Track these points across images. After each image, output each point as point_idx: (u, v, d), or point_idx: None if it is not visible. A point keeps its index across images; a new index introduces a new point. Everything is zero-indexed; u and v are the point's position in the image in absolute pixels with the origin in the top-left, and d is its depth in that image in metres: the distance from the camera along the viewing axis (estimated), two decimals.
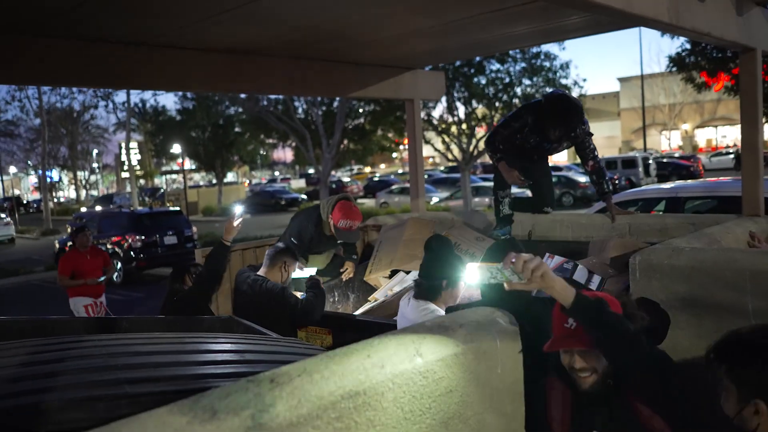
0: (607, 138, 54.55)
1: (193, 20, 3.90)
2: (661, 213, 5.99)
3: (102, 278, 7.53)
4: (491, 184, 5.90)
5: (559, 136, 4.51)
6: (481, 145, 20.67)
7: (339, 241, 4.91)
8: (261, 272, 4.07)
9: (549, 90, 19.89)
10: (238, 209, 4.07)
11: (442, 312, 3.12)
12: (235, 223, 4.14)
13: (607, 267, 3.86)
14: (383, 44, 4.91)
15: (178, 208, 19.74)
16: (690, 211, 5.97)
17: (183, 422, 1.27)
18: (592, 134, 4.72)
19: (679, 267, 2.95)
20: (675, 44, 25.31)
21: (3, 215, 30.42)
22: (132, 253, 14.54)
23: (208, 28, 4.07)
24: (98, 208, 30.66)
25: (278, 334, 2.95)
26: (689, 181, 7.15)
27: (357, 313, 4.64)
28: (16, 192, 61.26)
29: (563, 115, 4.40)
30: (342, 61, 5.46)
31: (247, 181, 61.07)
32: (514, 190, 5.36)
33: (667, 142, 53.32)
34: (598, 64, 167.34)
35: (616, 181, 24.34)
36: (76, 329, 3.09)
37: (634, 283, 3.07)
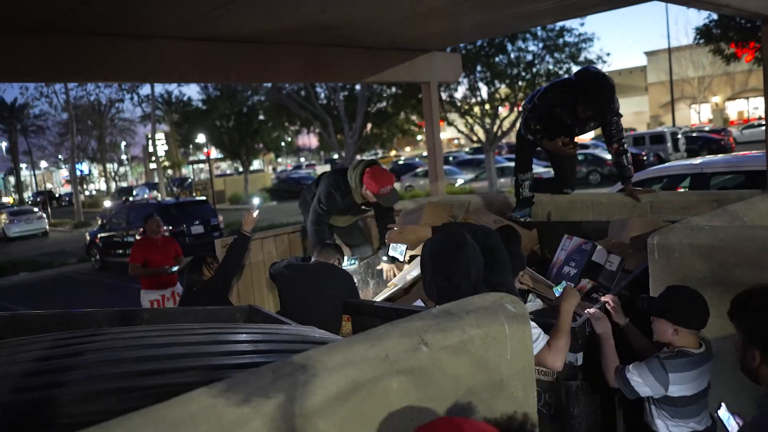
0: (634, 114, 53.59)
1: (202, 11, 3.91)
2: (685, 190, 5.88)
3: (175, 268, 7.01)
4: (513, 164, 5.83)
5: (589, 116, 4.43)
6: (506, 124, 20.48)
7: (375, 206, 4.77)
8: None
9: (573, 67, 19.64)
10: (256, 201, 4.13)
11: None
12: (255, 214, 4.19)
13: (627, 247, 3.80)
14: (397, 27, 4.88)
15: (204, 198, 19.97)
16: (716, 187, 5.85)
17: None
18: (621, 115, 4.63)
19: (698, 246, 2.90)
20: (702, 16, 24.63)
21: (36, 209, 31.09)
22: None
23: (217, 18, 4.08)
24: (107, 203, 31.26)
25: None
26: (715, 156, 7.00)
27: (377, 299, 4.64)
28: (48, 186, 62.42)
29: (596, 92, 4.32)
30: (356, 46, 5.44)
31: (272, 169, 61.44)
32: (539, 169, 5.32)
33: (697, 115, 52.15)
34: (624, 38, 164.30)
35: (644, 157, 23.92)
36: (98, 322, 3.14)
37: (653, 263, 3.03)
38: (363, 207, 4.71)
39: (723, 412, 2.67)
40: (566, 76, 4.68)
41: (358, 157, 22.01)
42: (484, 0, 4.24)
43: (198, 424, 1.28)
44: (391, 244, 4.23)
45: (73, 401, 1.66)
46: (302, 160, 67.91)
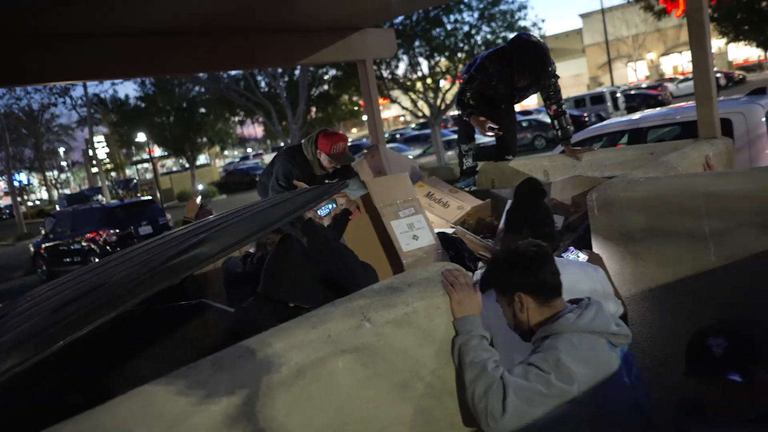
0: (574, 76, 54.46)
1: (116, 5, 3.77)
2: (624, 145, 5.99)
3: None
4: None
5: (528, 83, 4.46)
6: (449, 97, 20.54)
7: (338, 167, 4.59)
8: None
9: (510, 35, 19.79)
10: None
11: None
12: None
13: (569, 206, 3.86)
14: (327, 5, 4.79)
15: (150, 197, 19.51)
16: (654, 140, 5.97)
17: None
18: (558, 76, 4.69)
19: (635, 198, 2.95)
20: None
21: None
22: (108, 247, 14.41)
23: (134, 12, 3.94)
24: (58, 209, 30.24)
25: None
26: (651, 111, 7.15)
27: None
28: None
29: (531, 61, 4.35)
30: (287, 30, 5.33)
31: (219, 162, 60.42)
32: (483, 139, 5.35)
33: (634, 73, 53.35)
34: (558, 2, 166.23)
35: (586, 118, 24.37)
36: None
37: (593, 219, 3.07)
38: (325, 179, 4.61)
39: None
40: (501, 44, 4.68)
41: None
42: None
43: (134, 426, 1.24)
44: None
45: None
46: (249, 150, 66.98)
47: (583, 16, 57.28)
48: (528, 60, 4.35)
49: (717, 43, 40.73)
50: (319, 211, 4.21)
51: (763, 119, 5.03)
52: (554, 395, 1.78)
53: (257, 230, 2.11)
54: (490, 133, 4.69)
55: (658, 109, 7.41)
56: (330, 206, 4.25)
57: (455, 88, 20.34)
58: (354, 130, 62.23)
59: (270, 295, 2.56)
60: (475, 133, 5.13)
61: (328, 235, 2.89)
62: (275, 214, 2.26)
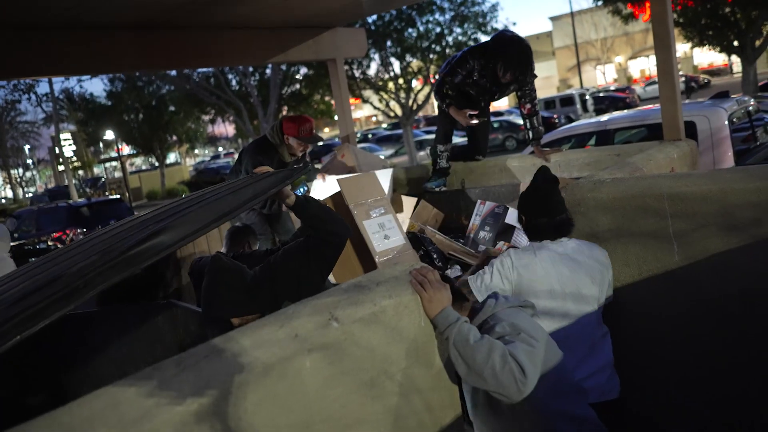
0: (544, 78, 55.04)
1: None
2: (592, 147, 6.07)
3: None
4: (432, 136, 5.81)
5: (510, 79, 4.47)
6: (420, 97, 20.60)
7: (308, 148, 4.63)
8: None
9: (482, 36, 19.94)
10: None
11: None
12: None
13: None
14: (297, 3, 4.77)
15: (117, 196, 19.22)
16: (621, 142, 6.07)
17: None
18: (536, 75, 4.73)
19: (601, 199, 3.00)
20: None
21: None
22: None
23: (104, 5, 3.88)
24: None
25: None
26: (619, 113, 7.26)
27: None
28: None
29: (516, 55, 4.37)
30: (257, 27, 5.30)
31: (189, 161, 59.72)
32: (457, 140, 5.33)
33: (603, 76, 54.14)
34: (528, 4, 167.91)
35: (556, 120, 24.66)
36: None
37: None
38: (296, 164, 4.59)
39: None
40: (481, 41, 4.65)
41: None
42: None
43: (96, 427, 1.22)
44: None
45: None
46: (220, 149, 66.30)
47: (553, 19, 57.99)
48: (513, 53, 4.37)
49: (683, 48, 41.56)
50: (297, 192, 4.21)
51: (726, 122, 5.15)
52: (538, 351, 1.95)
53: (218, 217, 2.07)
54: (473, 122, 4.68)
55: (626, 111, 7.53)
56: (303, 188, 4.28)
57: (427, 89, 20.42)
58: (326, 129, 62.00)
59: (212, 316, 2.59)
60: (453, 135, 5.12)
61: (319, 202, 2.88)
62: (237, 200, 2.23)
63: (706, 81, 39.72)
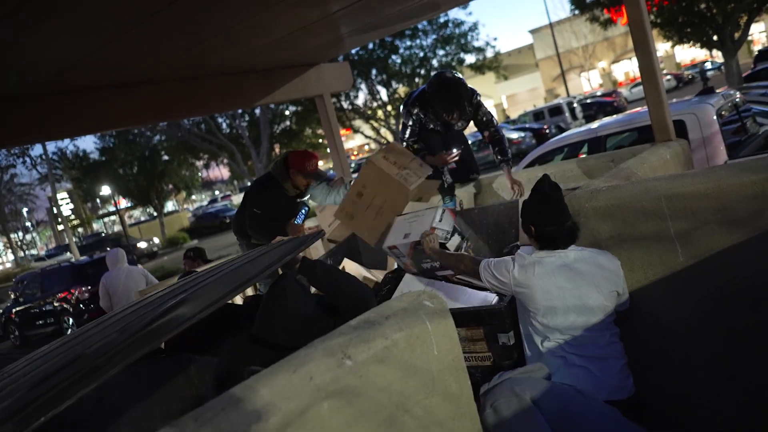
0: (529, 90, 55.47)
1: (75, 59, 3.76)
2: (585, 155, 6.10)
3: None
4: None
5: (455, 117, 4.44)
6: None
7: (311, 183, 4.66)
8: None
9: (465, 56, 20.16)
10: None
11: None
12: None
13: None
14: (280, 46, 4.84)
15: None
16: (613, 147, 6.10)
17: None
18: (482, 104, 4.63)
19: (600, 207, 3.01)
20: None
21: None
22: (81, 305, 14.10)
23: (93, 64, 3.93)
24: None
25: None
26: (608, 118, 7.31)
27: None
28: None
29: (449, 96, 4.32)
30: (243, 71, 5.36)
31: (187, 207, 59.85)
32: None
33: (588, 82, 54.56)
34: (507, 20, 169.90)
35: (546, 131, 24.77)
36: None
37: None
38: (297, 199, 4.65)
39: None
40: (422, 86, 4.59)
41: None
42: (356, 6, 4.25)
43: None
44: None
45: None
46: (216, 193, 66.56)
47: (532, 31, 58.56)
48: (442, 95, 4.34)
49: (664, 47, 41.95)
50: (297, 221, 4.29)
51: (715, 117, 5.18)
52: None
53: (235, 287, 2.11)
54: (452, 159, 4.65)
55: (615, 116, 7.58)
56: (304, 210, 4.34)
57: None
58: (321, 163, 62.31)
59: (263, 336, 2.54)
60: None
61: (326, 265, 2.88)
62: (253, 270, 2.26)
63: (690, 77, 40.02)
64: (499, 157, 4.70)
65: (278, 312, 2.55)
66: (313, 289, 2.91)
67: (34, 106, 4.28)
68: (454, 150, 4.61)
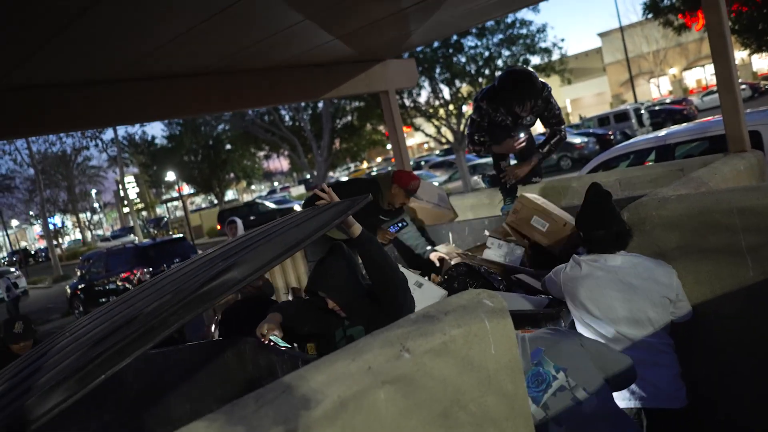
0: (596, 95, 54.23)
1: (150, 48, 3.89)
2: (652, 163, 5.95)
3: None
4: (485, 160, 5.77)
5: (527, 109, 4.43)
6: None
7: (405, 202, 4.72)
8: None
9: (530, 57, 19.87)
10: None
11: None
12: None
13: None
14: (348, 40, 4.89)
15: (181, 235, 19.78)
16: (682, 156, 5.92)
17: None
18: (552, 102, 4.61)
19: (667, 216, 2.93)
20: None
21: (13, 269, 30.57)
22: None
23: (167, 55, 4.06)
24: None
25: None
26: (678, 126, 7.09)
27: None
28: (23, 244, 61.48)
29: (518, 88, 4.36)
30: (310, 65, 5.43)
31: (246, 197, 61.06)
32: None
33: (657, 89, 52.93)
34: (576, 23, 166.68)
35: (611, 137, 24.20)
36: None
37: None
38: (382, 216, 4.69)
39: None
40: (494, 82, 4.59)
41: (331, 174, 21.80)
42: (427, 3, 4.26)
43: None
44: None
45: None
46: (276, 184, 67.68)
47: (601, 35, 57.21)
48: (512, 85, 4.38)
49: (740, 55, 40.32)
50: (390, 228, 4.36)
51: None
52: None
53: (285, 250, 2.13)
54: (520, 144, 4.64)
55: (685, 124, 7.35)
56: (399, 224, 4.41)
57: None
58: (378, 159, 62.59)
59: (311, 286, 2.87)
60: (509, 158, 5.04)
61: (380, 245, 2.94)
62: (302, 233, 2.28)
63: (766, 87, 38.36)
64: (543, 145, 4.71)
65: (334, 269, 2.83)
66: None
67: (112, 91, 4.44)
68: (522, 135, 4.60)
